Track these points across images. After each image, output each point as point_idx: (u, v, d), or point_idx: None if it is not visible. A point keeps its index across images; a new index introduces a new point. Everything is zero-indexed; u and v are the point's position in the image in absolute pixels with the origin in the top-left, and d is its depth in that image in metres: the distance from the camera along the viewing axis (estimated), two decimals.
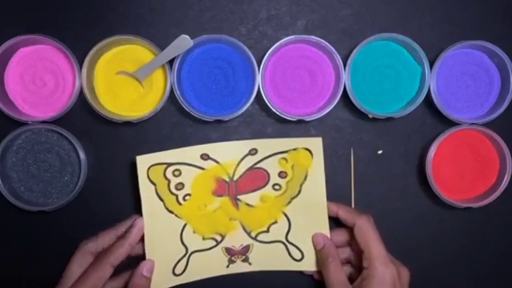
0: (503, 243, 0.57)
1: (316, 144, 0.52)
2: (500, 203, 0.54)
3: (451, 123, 0.53)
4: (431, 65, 0.53)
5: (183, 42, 0.50)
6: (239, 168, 0.53)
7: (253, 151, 0.52)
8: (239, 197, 0.53)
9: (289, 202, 0.53)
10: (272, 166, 0.53)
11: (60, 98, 0.53)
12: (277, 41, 0.52)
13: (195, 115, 0.51)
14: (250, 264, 0.54)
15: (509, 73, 0.53)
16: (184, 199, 0.52)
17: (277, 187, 0.53)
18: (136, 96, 0.53)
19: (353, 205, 0.56)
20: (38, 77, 0.53)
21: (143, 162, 0.51)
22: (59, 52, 0.53)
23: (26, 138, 0.53)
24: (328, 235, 0.53)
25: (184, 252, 0.53)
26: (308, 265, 0.53)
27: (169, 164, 0.52)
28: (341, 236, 0.53)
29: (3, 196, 0.52)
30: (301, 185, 0.53)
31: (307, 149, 0.52)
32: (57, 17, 0.55)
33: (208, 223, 0.53)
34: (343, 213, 0.52)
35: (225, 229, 0.54)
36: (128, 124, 0.53)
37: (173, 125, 0.55)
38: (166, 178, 0.52)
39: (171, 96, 0.52)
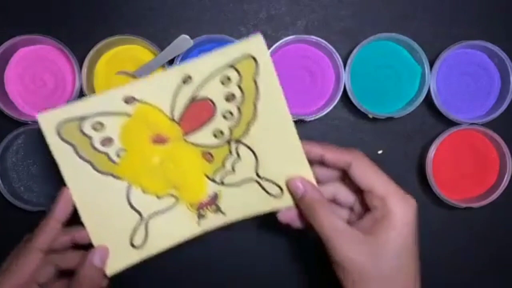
0: (503, 243, 0.57)
1: (256, 44, 0.41)
2: (500, 203, 0.54)
3: (451, 123, 0.53)
4: (431, 65, 0.53)
5: (183, 42, 0.50)
6: (177, 104, 0.42)
7: (187, 79, 0.42)
8: (186, 138, 0.43)
9: (248, 130, 0.43)
10: (215, 91, 0.42)
11: (60, 98, 0.53)
12: (277, 41, 0.52)
13: None
14: (224, 214, 0.45)
15: (509, 73, 0.53)
16: (118, 156, 0.43)
17: (228, 115, 0.43)
18: None
19: None
20: (38, 77, 0.53)
21: (47, 121, 0.41)
22: (59, 52, 0.53)
23: (26, 138, 0.53)
24: (307, 166, 0.43)
25: (138, 218, 0.44)
26: (290, 199, 0.44)
27: (84, 118, 0.41)
28: (326, 171, 0.44)
29: (3, 196, 0.52)
30: (255, 104, 0.42)
31: (248, 56, 0.41)
32: (57, 17, 0.54)
33: (158, 178, 0.44)
34: (331, 155, 0.42)
35: (183, 180, 0.45)
36: None
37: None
38: (85, 135, 0.42)
39: None
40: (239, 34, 0.55)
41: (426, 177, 0.53)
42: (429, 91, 0.53)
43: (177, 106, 0.42)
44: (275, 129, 0.43)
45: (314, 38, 0.52)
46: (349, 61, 0.52)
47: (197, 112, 0.43)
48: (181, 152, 0.44)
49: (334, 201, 0.44)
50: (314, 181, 0.43)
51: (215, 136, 0.43)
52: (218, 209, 0.45)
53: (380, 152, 0.56)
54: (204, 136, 0.43)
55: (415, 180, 0.56)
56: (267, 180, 0.44)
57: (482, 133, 0.54)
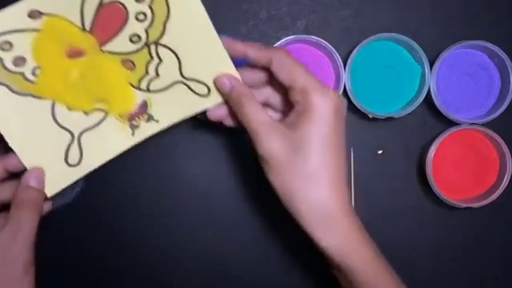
0: (504, 243, 0.57)
1: None
2: (500, 203, 0.54)
3: (451, 123, 0.53)
4: (431, 65, 0.53)
5: None
6: (86, 13, 0.40)
7: None
8: (103, 48, 0.42)
9: (164, 30, 0.42)
10: None
11: None
12: (277, 41, 0.52)
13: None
14: (157, 121, 0.45)
15: (509, 73, 0.53)
16: (34, 75, 0.41)
17: (141, 16, 0.41)
18: None
19: (353, 205, 0.56)
20: None
21: None
22: None
23: None
24: (229, 62, 0.43)
25: (69, 137, 0.43)
26: (217, 96, 0.44)
27: None
28: (254, 74, 0.44)
29: None
30: (167, 1, 0.41)
31: None
32: None
33: (81, 93, 0.43)
34: (254, 52, 0.42)
35: (107, 92, 0.44)
36: None
37: (173, 125, 0.55)
38: None
39: None
40: (239, 34, 0.55)
41: (426, 177, 0.53)
42: (429, 91, 0.53)
43: (86, 15, 0.40)
44: (192, 27, 0.41)
45: (314, 38, 0.52)
46: (349, 61, 0.52)
47: (108, 18, 0.40)
48: (100, 63, 0.42)
49: (268, 105, 0.45)
50: (239, 77, 0.43)
51: (132, 41, 0.42)
52: (151, 118, 0.45)
53: (380, 152, 0.56)
54: (120, 43, 0.42)
55: (415, 180, 0.56)
56: (192, 80, 0.44)
57: (482, 133, 0.54)
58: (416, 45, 0.52)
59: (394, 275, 0.42)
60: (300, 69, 0.40)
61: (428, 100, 0.53)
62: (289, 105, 0.42)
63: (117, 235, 0.55)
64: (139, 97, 0.44)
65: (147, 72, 0.43)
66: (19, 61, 0.40)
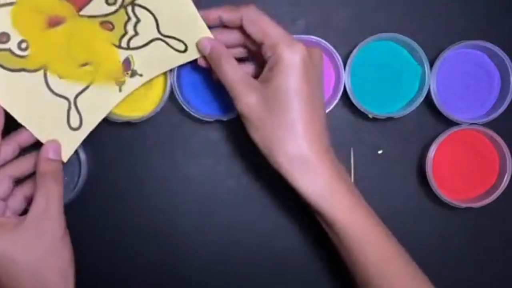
0: (504, 243, 0.57)
1: None
2: (500, 203, 0.54)
3: (451, 123, 0.53)
4: (431, 65, 0.53)
5: None
6: None
7: None
8: (82, 13, 0.43)
9: None
10: None
11: None
12: None
13: (195, 115, 0.51)
14: (140, 75, 0.48)
15: (509, 73, 0.53)
16: (21, 49, 0.42)
17: None
18: (136, 95, 0.53)
19: None
20: None
21: None
22: None
23: None
24: (205, 29, 0.45)
25: (66, 103, 0.45)
26: (195, 52, 0.47)
27: None
28: (229, 34, 0.46)
29: None
30: None
31: None
32: None
33: (69, 59, 0.45)
34: (227, 14, 0.44)
35: (92, 54, 0.46)
36: (128, 124, 0.53)
37: (173, 125, 0.55)
38: None
39: (171, 96, 0.52)
40: None
41: (426, 177, 0.53)
42: (429, 91, 0.53)
43: None
44: None
45: (314, 38, 0.52)
46: (349, 61, 0.52)
47: None
48: (81, 28, 0.44)
49: (248, 62, 0.47)
50: (212, 37, 0.45)
51: (108, 3, 0.43)
52: (135, 73, 0.47)
53: (380, 152, 0.56)
54: (97, 6, 0.43)
55: (415, 180, 0.56)
56: (170, 37, 0.46)
57: (482, 133, 0.54)
58: (416, 45, 0.52)
59: (384, 229, 0.43)
60: (269, 24, 0.42)
61: (428, 100, 0.53)
62: (263, 62, 0.44)
63: (116, 235, 0.55)
64: (121, 55, 0.46)
65: (126, 31, 0.45)
66: (3, 37, 0.42)
